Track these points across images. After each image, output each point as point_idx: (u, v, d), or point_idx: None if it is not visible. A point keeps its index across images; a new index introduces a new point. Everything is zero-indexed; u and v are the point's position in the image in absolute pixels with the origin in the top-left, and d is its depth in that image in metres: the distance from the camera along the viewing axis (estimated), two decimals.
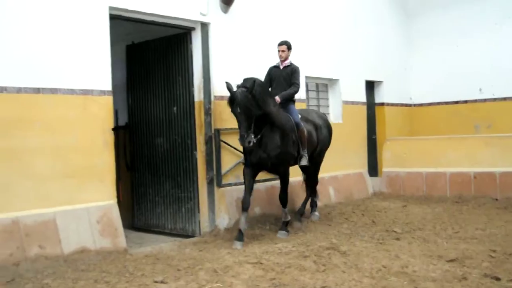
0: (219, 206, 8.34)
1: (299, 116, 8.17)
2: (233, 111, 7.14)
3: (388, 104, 13.08)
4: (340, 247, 6.87)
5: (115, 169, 7.22)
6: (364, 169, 12.00)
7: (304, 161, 8.03)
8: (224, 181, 8.38)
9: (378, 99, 13.03)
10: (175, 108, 8.54)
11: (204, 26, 8.47)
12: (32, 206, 6.37)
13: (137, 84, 9.15)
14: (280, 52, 8.20)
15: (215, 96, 8.45)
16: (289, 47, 8.23)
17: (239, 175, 8.42)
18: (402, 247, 6.92)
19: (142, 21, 7.82)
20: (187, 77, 8.39)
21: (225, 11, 8.71)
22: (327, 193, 10.58)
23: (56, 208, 6.55)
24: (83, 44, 6.90)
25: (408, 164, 11.57)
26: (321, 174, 9.48)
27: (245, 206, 7.40)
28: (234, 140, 8.08)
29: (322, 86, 11.44)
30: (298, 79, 8.17)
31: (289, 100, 8.16)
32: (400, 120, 13.47)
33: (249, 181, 7.56)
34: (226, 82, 7.22)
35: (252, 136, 7.09)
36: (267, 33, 9.48)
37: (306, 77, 10.39)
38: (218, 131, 8.37)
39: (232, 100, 7.08)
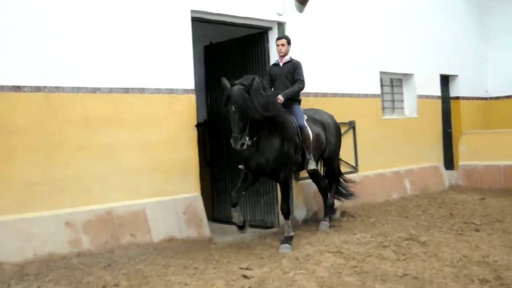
0: (298, 199, 8.60)
1: (305, 117, 7.60)
2: (227, 109, 6.60)
3: (463, 98, 12.91)
4: (419, 237, 6.96)
5: (198, 163, 7.60)
6: (440, 162, 11.95)
7: (312, 165, 7.36)
8: (302, 175, 8.62)
9: (453, 93, 12.89)
10: None
11: (280, 25, 8.76)
12: (124, 197, 6.84)
13: (215, 83, 9.51)
14: (280, 46, 7.63)
15: None
16: (289, 42, 7.69)
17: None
18: (482, 238, 6.95)
19: (222, 23, 8.18)
20: (263, 75, 8.67)
21: (300, 10, 8.96)
22: (403, 186, 10.63)
23: (145, 199, 6.99)
24: (167, 46, 7.33)
25: (485, 157, 11.47)
26: (397, 168, 9.56)
27: (232, 201, 7.06)
28: None
29: (397, 81, 11.47)
30: (302, 74, 7.55)
31: (293, 99, 7.55)
32: (476, 113, 13.27)
33: (242, 182, 7.19)
34: (222, 78, 6.77)
35: (247, 139, 6.50)
36: (341, 31, 9.68)
37: (381, 72, 10.50)
38: None
39: (227, 98, 6.51)
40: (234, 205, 6.99)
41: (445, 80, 12.61)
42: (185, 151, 7.42)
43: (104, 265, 6.16)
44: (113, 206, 6.72)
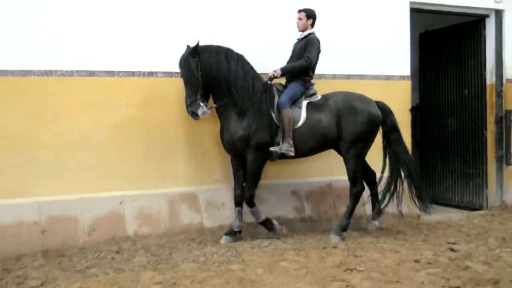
0: (507, 183, 8.81)
1: (319, 97, 6.85)
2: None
3: None
4: None
5: (411, 144, 8.17)
6: None
7: (277, 148, 6.42)
8: None
9: None
10: (466, 91, 9.15)
11: (498, 13, 8.90)
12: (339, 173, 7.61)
13: (428, 69, 9.95)
14: (297, 20, 6.87)
15: (507, 79, 8.89)
16: (308, 15, 6.81)
17: None
18: None
19: (439, 12, 8.62)
20: (480, 61, 8.94)
21: None
22: None
23: None
24: (386, 36, 8.01)
25: None
26: None
27: (235, 200, 6.71)
28: None
29: None
30: (311, 51, 6.66)
31: (296, 76, 6.75)
32: None
33: (234, 172, 6.78)
34: (187, 45, 6.43)
35: (201, 105, 6.26)
36: None
37: None
38: (509, 112, 8.80)
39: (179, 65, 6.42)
40: (236, 204, 6.68)
41: None
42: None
43: (323, 231, 7.09)
44: (333, 179, 7.62)
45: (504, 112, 8.81)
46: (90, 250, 6.12)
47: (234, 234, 6.61)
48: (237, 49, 6.56)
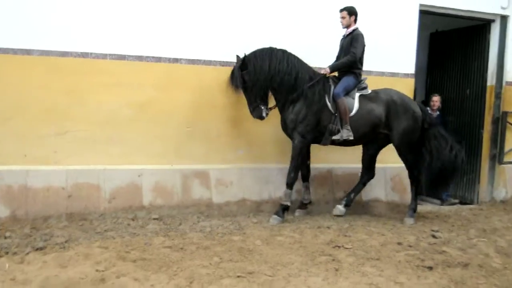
0: (498, 180, 9.40)
1: (369, 91, 7.50)
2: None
3: None
4: None
5: None
6: None
7: (338, 135, 7.15)
8: (505, 159, 9.36)
9: None
10: (468, 91, 9.70)
11: (503, 18, 9.41)
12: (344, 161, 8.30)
13: (436, 67, 10.51)
14: (340, 19, 7.46)
15: (506, 82, 9.44)
16: (350, 13, 7.40)
17: None
18: None
19: (446, 15, 9.14)
20: (482, 63, 9.48)
21: None
22: None
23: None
24: (394, 35, 8.54)
25: None
26: None
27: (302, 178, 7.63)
28: None
29: None
30: (356, 47, 7.27)
31: (347, 71, 7.38)
32: None
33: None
34: (237, 55, 7.20)
35: (262, 108, 7.07)
36: None
37: None
38: (505, 113, 9.36)
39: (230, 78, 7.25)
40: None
41: None
42: None
43: (321, 212, 7.75)
44: (333, 166, 8.26)
45: (501, 113, 9.37)
46: (109, 216, 6.87)
47: (305, 206, 7.68)
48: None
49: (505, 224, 7.59)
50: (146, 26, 7.25)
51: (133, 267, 5.00)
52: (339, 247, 5.98)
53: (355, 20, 7.48)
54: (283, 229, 6.69)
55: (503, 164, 9.37)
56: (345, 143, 7.29)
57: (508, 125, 9.39)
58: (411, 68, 8.75)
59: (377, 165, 8.03)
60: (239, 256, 5.53)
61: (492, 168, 9.39)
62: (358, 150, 7.81)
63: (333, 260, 5.52)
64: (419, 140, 7.57)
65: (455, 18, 9.42)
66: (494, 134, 9.38)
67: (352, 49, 7.28)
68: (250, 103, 7.13)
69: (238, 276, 4.92)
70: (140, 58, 7.23)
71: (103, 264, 5.03)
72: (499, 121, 9.37)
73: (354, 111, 7.24)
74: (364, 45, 7.41)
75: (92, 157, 7.02)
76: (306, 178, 7.64)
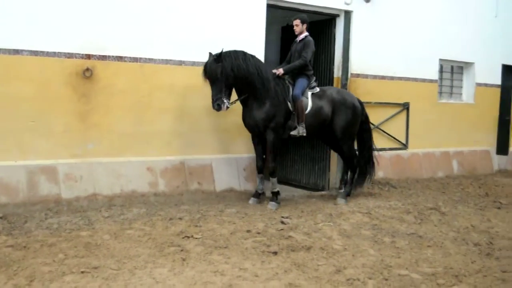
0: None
1: (317, 89, 8.47)
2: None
3: None
4: (441, 208, 8.12)
5: None
6: (491, 147, 12.64)
7: (295, 131, 8.08)
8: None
9: None
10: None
11: (347, 13, 9.94)
12: (194, 152, 8.39)
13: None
14: (295, 26, 8.42)
15: (351, 74, 9.97)
16: (303, 21, 8.39)
17: None
18: (498, 214, 8.00)
19: (294, 9, 9.41)
20: (329, 56, 9.94)
21: (367, 0, 10.06)
22: (450, 166, 11.58)
23: (212, 155, 8.54)
24: (243, 29, 8.72)
25: None
26: (446, 148, 10.59)
27: (257, 169, 8.35)
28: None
29: (457, 68, 12.27)
30: (307, 52, 8.20)
31: (301, 73, 8.28)
32: None
33: (255, 147, 8.31)
34: (209, 53, 7.75)
35: (224, 101, 7.57)
36: (404, 20, 10.69)
37: (441, 59, 11.41)
38: None
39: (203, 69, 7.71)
40: (258, 172, 8.33)
41: (510, 70, 13.18)
42: None
43: (175, 204, 7.74)
44: (186, 158, 8.28)
45: None
46: None
47: (259, 195, 8.26)
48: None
49: (351, 208, 8.00)
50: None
51: None
52: (188, 237, 6.00)
53: (307, 28, 8.46)
54: (134, 222, 6.61)
55: None
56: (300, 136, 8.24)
57: None
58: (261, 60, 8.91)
59: (230, 155, 8.25)
60: (85, 251, 5.43)
61: None
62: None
63: (182, 250, 5.54)
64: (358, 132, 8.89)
65: (308, 13, 9.75)
66: None
67: (303, 54, 8.20)
68: (215, 94, 7.58)
69: (82, 272, 4.85)
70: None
71: None
72: None
73: (308, 109, 8.23)
74: (313, 50, 8.35)
75: None
76: (261, 170, 8.29)
